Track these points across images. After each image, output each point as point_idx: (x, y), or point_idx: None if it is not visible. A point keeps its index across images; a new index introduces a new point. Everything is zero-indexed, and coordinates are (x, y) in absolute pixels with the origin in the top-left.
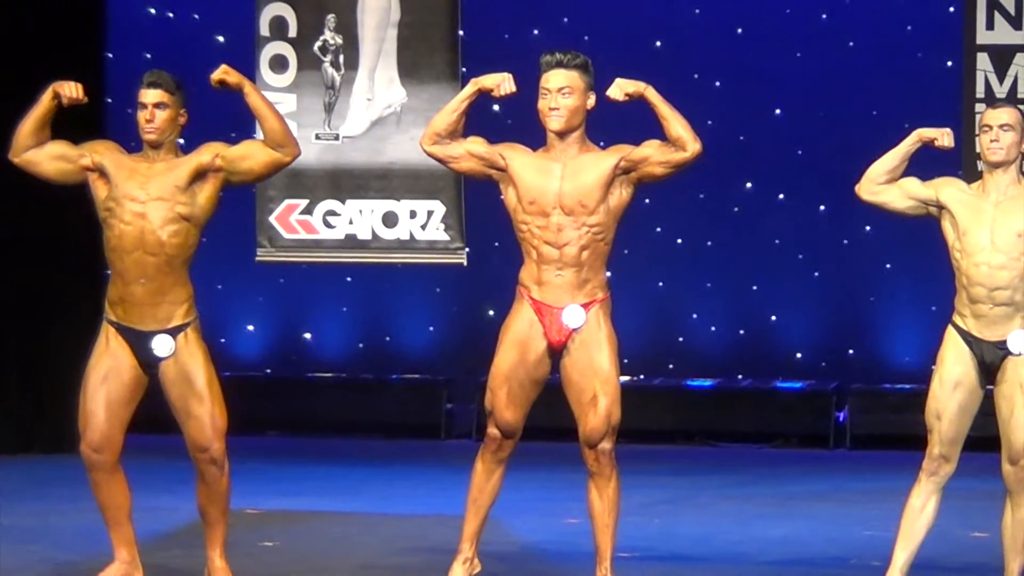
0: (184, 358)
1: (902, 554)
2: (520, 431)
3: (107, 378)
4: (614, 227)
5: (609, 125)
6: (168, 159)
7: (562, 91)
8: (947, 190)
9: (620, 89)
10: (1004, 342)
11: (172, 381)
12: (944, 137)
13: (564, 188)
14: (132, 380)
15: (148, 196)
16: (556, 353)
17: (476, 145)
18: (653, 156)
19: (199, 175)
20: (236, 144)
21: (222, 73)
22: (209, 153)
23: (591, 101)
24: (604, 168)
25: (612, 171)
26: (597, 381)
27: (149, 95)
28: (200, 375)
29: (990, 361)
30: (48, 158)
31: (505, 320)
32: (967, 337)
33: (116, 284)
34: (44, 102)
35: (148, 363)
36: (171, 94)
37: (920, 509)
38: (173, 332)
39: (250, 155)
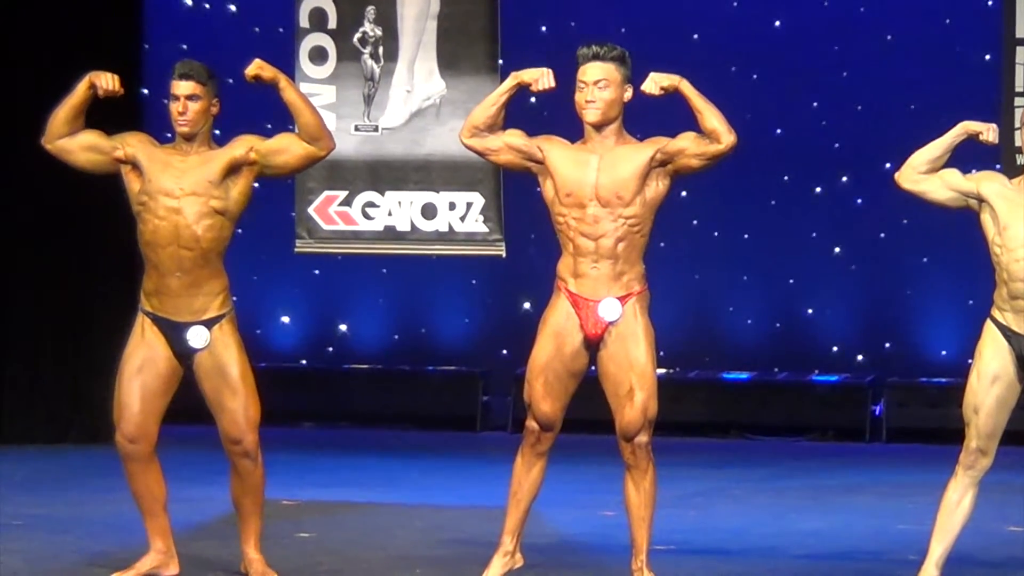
0: (219, 350)
1: (938, 548)
2: (559, 424)
3: (142, 369)
4: (651, 219)
5: (647, 117)
6: (202, 152)
7: (598, 84)
8: (988, 184)
9: (655, 83)
10: None
11: (206, 373)
12: (990, 132)
13: (601, 180)
14: (167, 371)
15: (182, 191)
16: (593, 346)
17: (514, 138)
18: (688, 148)
19: (233, 169)
20: (271, 137)
21: (257, 68)
22: (243, 147)
23: (628, 94)
24: (640, 160)
25: (648, 163)
26: (634, 374)
27: (181, 87)
28: (234, 367)
29: None
30: (80, 148)
31: (543, 312)
32: (1006, 332)
33: (151, 276)
34: (79, 91)
35: (183, 354)
36: (203, 85)
37: (956, 503)
38: (208, 324)
39: (285, 149)
